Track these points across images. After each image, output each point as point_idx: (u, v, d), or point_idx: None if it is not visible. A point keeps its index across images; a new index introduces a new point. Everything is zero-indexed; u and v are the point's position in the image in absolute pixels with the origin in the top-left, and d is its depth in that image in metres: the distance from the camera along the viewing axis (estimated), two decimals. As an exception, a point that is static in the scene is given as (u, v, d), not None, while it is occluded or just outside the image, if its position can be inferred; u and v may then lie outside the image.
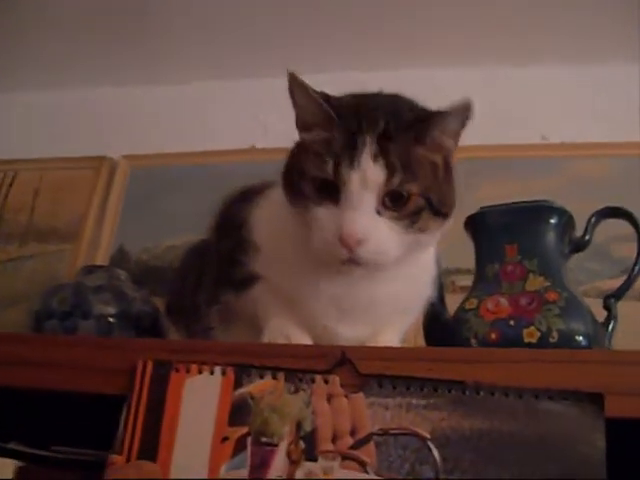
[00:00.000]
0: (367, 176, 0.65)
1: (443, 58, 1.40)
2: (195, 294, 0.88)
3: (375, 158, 0.65)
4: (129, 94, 1.55)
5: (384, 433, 0.62)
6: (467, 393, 0.62)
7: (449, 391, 0.63)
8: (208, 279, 0.86)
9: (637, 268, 0.90)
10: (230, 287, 0.80)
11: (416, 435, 0.61)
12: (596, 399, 0.60)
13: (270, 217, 0.77)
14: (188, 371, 0.67)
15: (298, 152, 0.71)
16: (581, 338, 0.81)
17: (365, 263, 0.68)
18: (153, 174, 1.50)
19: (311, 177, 0.67)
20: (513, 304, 0.85)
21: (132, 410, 0.67)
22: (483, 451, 0.60)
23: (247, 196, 0.82)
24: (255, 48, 1.50)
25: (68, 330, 0.93)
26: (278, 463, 0.62)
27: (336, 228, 0.66)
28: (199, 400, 0.66)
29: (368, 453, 0.61)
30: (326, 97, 0.70)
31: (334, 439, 0.63)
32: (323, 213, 0.67)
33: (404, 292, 0.75)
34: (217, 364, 0.67)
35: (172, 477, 0.63)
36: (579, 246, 0.93)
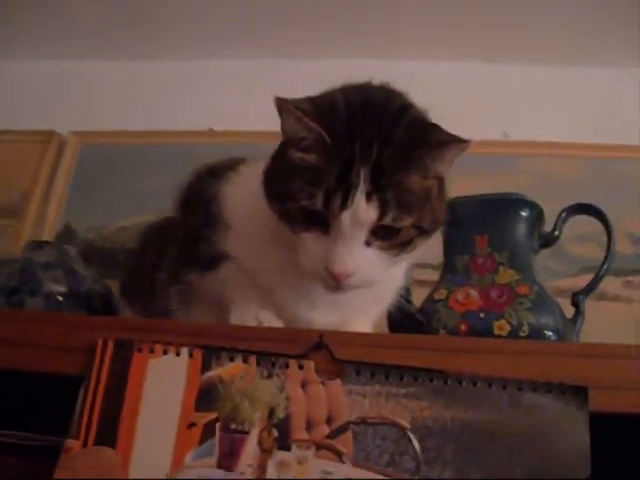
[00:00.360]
0: (359, 215, 0.62)
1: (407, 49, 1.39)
2: (154, 273, 0.83)
3: (368, 197, 0.62)
4: (81, 68, 1.48)
5: (362, 422, 0.59)
6: (449, 383, 0.60)
7: (430, 380, 0.60)
8: (170, 258, 0.81)
9: (605, 267, 0.90)
10: (195, 266, 0.75)
11: (396, 425, 0.59)
12: (580, 392, 0.59)
13: (243, 195, 0.73)
14: (152, 351, 0.63)
15: (286, 167, 0.66)
16: (551, 333, 0.80)
17: (350, 289, 0.65)
18: (104, 152, 1.43)
19: (300, 205, 0.63)
20: (484, 296, 0.84)
21: (90, 392, 0.62)
22: (465, 442, 0.58)
23: (216, 171, 0.78)
24: (214, 31, 1.45)
25: (14, 307, 0.86)
26: (249, 451, 0.58)
27: (325, 259, 0.63)
28: (163, 383, 0.62)
29: (345, 443, 0.58)
30: (318, 112, 0.64)
31: (309, 427, 0.59)
32: (311, 240, 0.64)
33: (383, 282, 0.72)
34: (183, 345, 0.63)
35: (133, 464, 0.58)
36: (548, 241, 0.92)
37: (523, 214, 0.89)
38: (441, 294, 0.85)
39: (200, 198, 0.75)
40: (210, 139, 1.42)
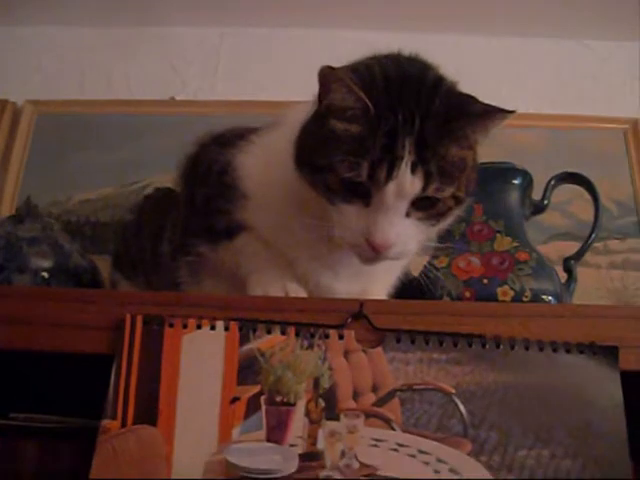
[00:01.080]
0: (405, 187, 0.61)
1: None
2: (156, 247, 0.80)
3: (413, 168, 0.61)
4: (35, 34, 1.40)
5: (408, 389, 0.59)
6: (487, 347, 0.61)
7: (469, 345, 0.61)
8: (175, 230, 0.78)
9: (593, 235, 0.93)
10: (207, 237, 0.74)
11: (441, 390, 0.59)
12: (611, 352, 0.61)
13: (261, 165, 0.71)
14: (185, 326, 0.61)
15: (325, 138, 0.64)
16: (551, 298, 0.83)
17: (386, 260, 0.65)
18: (62, 122, 1.36)
19: (341, 176, 0.62)
20: (485, 263, 0.85)
21: (123, 370, 0.60)
22: (509, 404, 0.59)
23: (225, 140, 0.75)
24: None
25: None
26: (297, 423, 0.58)
27: (366, 230, 0.62)
28: (201, 358, 0.60)
29: (393, 410, 0.59)
30: (362, 83, 0.63)
31: (355, 396, 0.59)
32: (351, 211, 0.63)
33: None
34: (216, 319, 0.61)
35: (177, 442, 0.57)
36: (538, 209, 0.95)
37: (515, 182, 0.92)
38: (442, 262, 0.86)
39: (211, 169, 0.73)
40: (172, 109, 1.38)
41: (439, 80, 0.66)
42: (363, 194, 0.62)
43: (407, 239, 0.64)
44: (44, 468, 0.65)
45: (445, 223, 0.68)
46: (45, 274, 0.88)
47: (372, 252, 0.63)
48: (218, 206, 0.72)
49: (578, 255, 0.93)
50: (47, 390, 0.65)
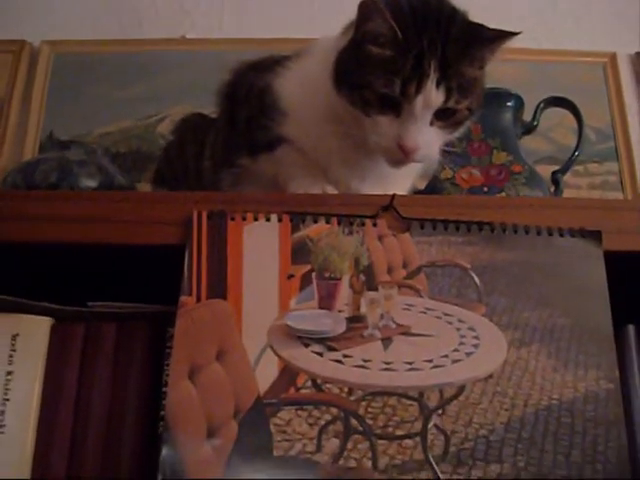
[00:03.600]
0: (430, 99, 0.73)
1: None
2: (198, 163, 0.91)
3: (438, 84, 0.73)
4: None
5: (432, 265, 0.72)
6: (495, 232, 0.74)
7: (480, 230, 0.74)
8: (215, 148, 0.90)
9: (576, 154, 1.06)
10: (249, 151, 0.85)
11: (459, 266, 0.72)
12: (596, 235, 0.74)
13: (297, 86, 0.82)
14: (244, 219, 0.73)
15: (362, 60, 0.76)
16: (541, 203, 0.95)
17: (413, 163, 0.79)
18: (78, 61, 1.44)
19: (378, 92, 0.74)
20: (484, 174, 0.98)
21: (194, 256, 0.71)
22: (514, 276, 0.72)
23: (262, 67, 0.86)
24: None
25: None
26: (343, 294, 0.70)
27: (397, 137, 0.75)
28: (260, 244, 0.72)
29: (420, 282, 0.72)
30: (393, 11, 0.74)
31: (389, 271, 0.72)
32: (384, 121, 0.75)
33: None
34: (270, 212, 0.73)
35: (245, 312, 0.69)
36: (529, 129, 1.07)
37: (509, 104, 1.04)
38: (447, 173, 0.99)
39: (251, 91, 0.84)
40: (183, 46, 1.46)
41: (453, 10, 0.78)
42: (395, 107, 0.75)
43: (431, 144, 0.77)
44: (122, 347, 0.75)
45: (459, 131, 0.81)
46: (94, 192, 0.98)
47: (402, 155, 0.75)
48: (259, 123, 0.83)
49: (564, 169, 1.06)
50: (120, 281, 0.76)
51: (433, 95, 0.74)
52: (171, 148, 1.02)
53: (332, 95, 0.79)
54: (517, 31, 0.76)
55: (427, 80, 0.73)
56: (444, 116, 0.77)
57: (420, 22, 0.75)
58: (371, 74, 0.74)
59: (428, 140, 0.76)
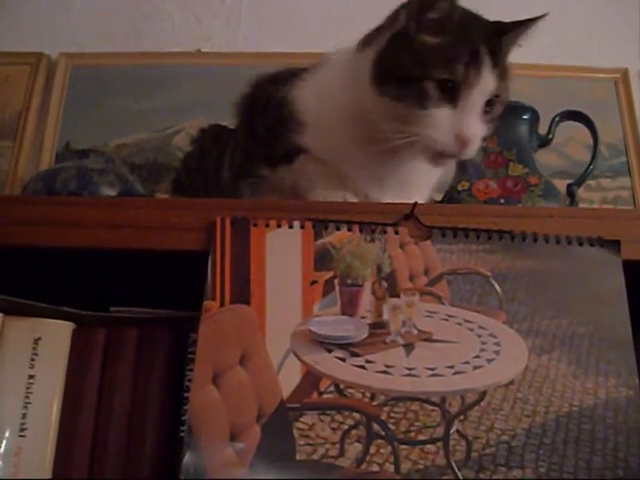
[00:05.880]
0: (487, 85, 0.76)
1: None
2: (218, 173, 0.92)
3: (491, 69, 0.76)
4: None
5: (453, 272, 0.73)
6: (515, 240, 0.74)
7: (500, 239, 0.74)
8: (234, 158, 0.91)
9: (591, 167, 1.07)
10: (268, 161, 0.86)
11: (480, 273, 0.73)
12: (614, 245, 0.75)
13: (314, 96, 0.84)
14: (267, 225, 0.74)
15: (417, 51, 0.77)
16: (557, 215, 0.96)
17: (464, 156, 0.80)
18: (95, 74, 1.47)
19: (437, 78, 0.75)
20: (501, 186, 0.99)
21: (217, 261, 0.72)
22: (534, 285, 0.73)
23: (279, 79, 0.88)
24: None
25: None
26: (365, 300, 0.71)
27: (453, 129, 0.76)
28: (283, 250, 0.73)
29: (442, 289, 0.72)
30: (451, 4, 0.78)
31: (411, 279, 0.73)
32: (442, 114, 0.76)
33: (433, 171, 0.86)
34: (293, 219, 0.74)
35: (268, 317, 0.70)
36: (544, 142, 1.08)
37: (525, 117, 1.05)
38: (463, 185, 1.00)
39: (269, 103, 0.86)
40: (199, 60, 1.48)
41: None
42: (453, 97, 0.76)
43: (479, 138, 0.79)
44: (144, 352, 0.76)
45: (491, 128, 0.82)
46: (113, 200, 0.99)
47: (457, 148, 0.77)
48: (278, 133, 0.84)
49: (579, 181, 1.07)
50: (143, 287, 0.77)
51: (489, 79, 0.76)
52: (190, 158, 1.03)
53: (363, 98, 0.80)
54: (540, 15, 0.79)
55: (483, 66, 0.76)
56: (488, 108, 0.79)
57: (466, 14, 0.78)
58: (431, 62, 0.76)
59: (480, 133, 0.78)
